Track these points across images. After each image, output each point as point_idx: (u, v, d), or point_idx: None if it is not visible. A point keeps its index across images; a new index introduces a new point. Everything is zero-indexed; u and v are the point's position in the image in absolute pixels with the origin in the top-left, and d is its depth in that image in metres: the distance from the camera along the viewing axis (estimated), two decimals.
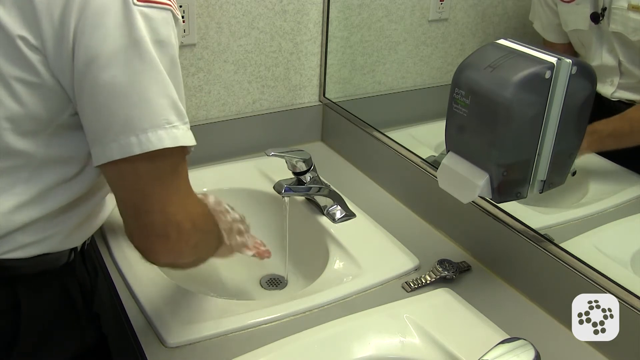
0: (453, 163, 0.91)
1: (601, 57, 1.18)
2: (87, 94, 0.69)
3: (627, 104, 1.16)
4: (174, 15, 0.72)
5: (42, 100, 0.71)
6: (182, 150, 0.73)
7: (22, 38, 0.68)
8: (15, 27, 0.68)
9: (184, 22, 1.30)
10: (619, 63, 1.16)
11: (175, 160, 0.73)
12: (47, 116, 0.73)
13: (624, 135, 1.10)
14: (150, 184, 0.72)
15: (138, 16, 0.67)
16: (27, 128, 0.72)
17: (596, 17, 1.15)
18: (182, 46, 1.32)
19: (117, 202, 0.75)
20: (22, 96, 0.70)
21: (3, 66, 0.69)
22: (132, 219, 0.74)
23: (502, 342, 0.76)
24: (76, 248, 0.87)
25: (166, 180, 0.73)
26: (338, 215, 1.20)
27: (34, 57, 0.69)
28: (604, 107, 1.12)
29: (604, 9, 1.14)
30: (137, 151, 0.69)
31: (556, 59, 0.81)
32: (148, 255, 0.76)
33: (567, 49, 1.25)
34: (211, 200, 0.97)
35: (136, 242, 0.75)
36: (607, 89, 1.19)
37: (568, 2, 1.20)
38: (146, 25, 0.68)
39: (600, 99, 1.15)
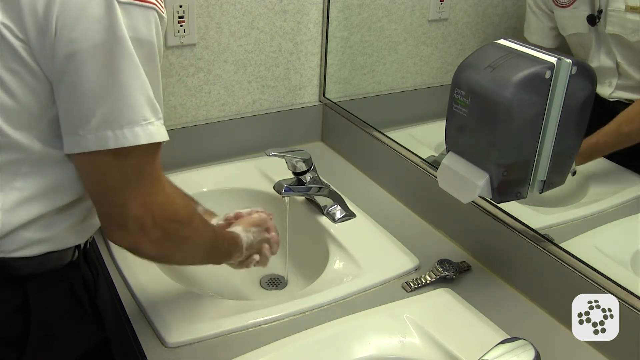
0: (453, 163, 0.91)
1: (599, 59, 1.18)
2: (67, 85, 0.70)
3: (626, 104, 1.16)
4: (159, 14, 0.73)
5: (31, 92, 0.72)
6: (154, 146, 0.74)
7: (6, 26, 0.68)
8: None
9: (184, 22, 1.30)
10: (617, 64, 1.16)
11: (144, 156, 0.75)
12: (38, 109, 0.73)
13: (614, 145, 1.11)
14: (114, 178, 0.74)
15: (120, 13, 0.68)
16: (20, 121, 0.73)
17: (592, 19, 1.15)
18: (182, 46, 1.32)
19: (85, 187, 0.78)
20: (11, 87, 0.71)
21: None
22: (96, 204, 0.78)
23: (502, 342, 0.76)
24: (79, 246, 0.87)
25: (132, 177, 0.75)
26: (338, 215, 1.20)
27: (18, 45, 0.69)
28: (603, 108, 1.12)
29: (600, 11, 1.14)
30: (112, 145, 0.70)
31: (556, 59, 0.81)
32: (109, 237, 0.79)
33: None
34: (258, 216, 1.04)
35: (101, 223, 0.79)
36: (606, 90, 1.19)
37: (565, 7, 1.20)
38: (127, 23, 0.69)
39: (598, 99, 1.15)
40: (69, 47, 0.68)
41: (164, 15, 0.74)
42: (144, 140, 0.72)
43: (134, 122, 0.71)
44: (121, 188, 0.74)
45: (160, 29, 0.74)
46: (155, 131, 0.73)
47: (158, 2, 0.72)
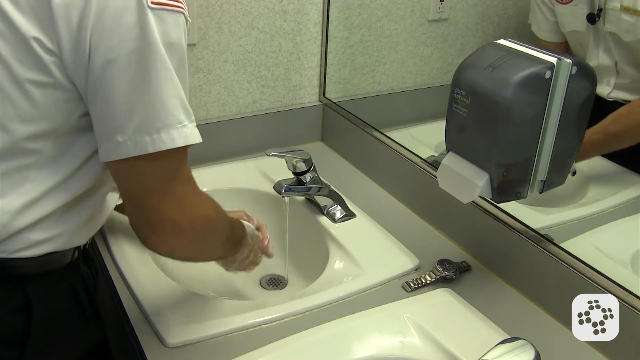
0: (453, 163, 0.91)
1: (598, 58, 1.18)
2: (102, 94, 0.71)
3: (624, 105, 1.16)
4: (185, 17, 0.74)
5: (55, 102, 0.72)
6: (185, 148, 0.75)
7: (37, 40, 0.68)
8: (30, 29, 0.68)
9: None
10: (615, 63, 1.16)
11: (179, 159, 0.76)
12: (59, 117, 0.74)
13: (602, 145, 1.11)
14: (152, 182, 0.75)
15: (152, 19, 0.69)
16: (39, 129, 0.73)
17: (592, 18, 1.16)
18: None
19: (120, 195, 0.79)
20: (35, 98, 0.71)
21: (17, 69, 0.69)
22: (133, 211, 0.78)
23: (502, 342, 0.76)
24: (79, 247, 0.87)
25: (168, 179, 0.76)
26: (338, 215, 1.20)
27: (48, 59, 0.69)
28: (601, 108, 1.12)
29: (600, 10, 1.14)
30: (151, 150, 0.71)
31: (556, 59, 0.81)
32: (146, 244, 0.79)
33: (562, 48, 1.25)
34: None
35: (136, 231, 0.79)
36: (604, 89, 1.19)
37: (565, 3, 1.20)
38: (159, 28, 0.70)
39: (597, 99, 1.15)
40: (104, 57, 0.68)
41: (189, 19, 0.75)
42: (180, 142, 0.73)
43: (170, 125, 0.72)
44: (157, 192, 0.75)
45: (186, 31, 0.75)
46: (190, 133, 0.74)
47: (184, 5, 0.73)
